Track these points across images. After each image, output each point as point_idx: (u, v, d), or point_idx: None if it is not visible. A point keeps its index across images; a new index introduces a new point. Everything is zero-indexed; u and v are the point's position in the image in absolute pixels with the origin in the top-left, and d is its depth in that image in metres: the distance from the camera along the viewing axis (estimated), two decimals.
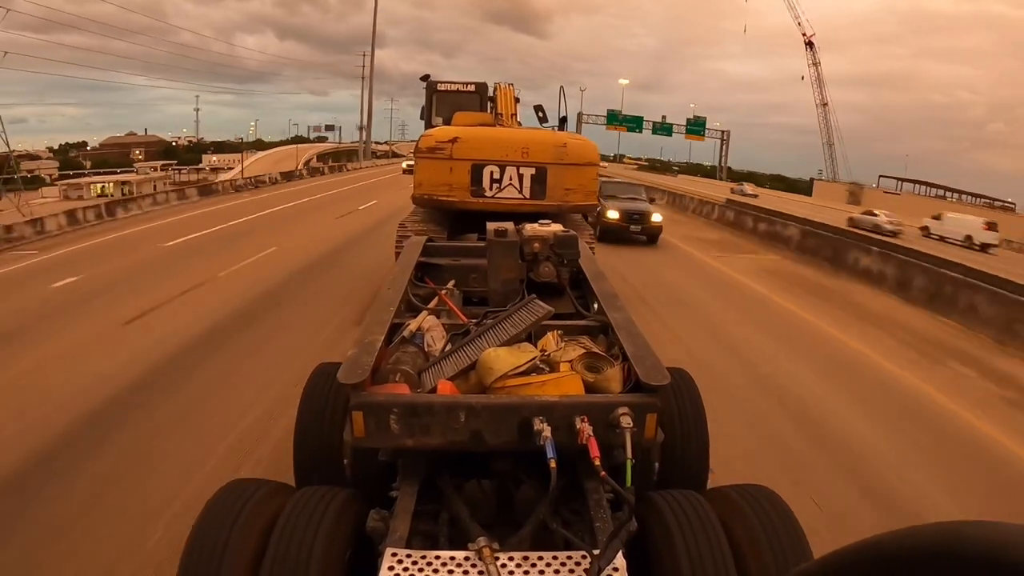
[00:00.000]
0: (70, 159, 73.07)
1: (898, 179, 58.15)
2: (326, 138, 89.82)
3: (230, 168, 63.38)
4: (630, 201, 16.31)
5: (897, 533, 0.65)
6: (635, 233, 15.66)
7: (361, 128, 60.28)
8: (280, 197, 25.48)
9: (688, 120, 57.59)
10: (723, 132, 60.40)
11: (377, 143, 66.30)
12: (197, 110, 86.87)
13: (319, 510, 2.16)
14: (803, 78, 66.06)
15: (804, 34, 64.24)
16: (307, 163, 57.22)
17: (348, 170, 48.02)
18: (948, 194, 54.29)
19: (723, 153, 61.89)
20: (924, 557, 0.61)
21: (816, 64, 62.82)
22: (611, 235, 15.10)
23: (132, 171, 64.35)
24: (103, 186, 48.52)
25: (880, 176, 61.12)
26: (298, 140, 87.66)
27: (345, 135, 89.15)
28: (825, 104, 63.08)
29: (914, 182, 56.89)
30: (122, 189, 45.68)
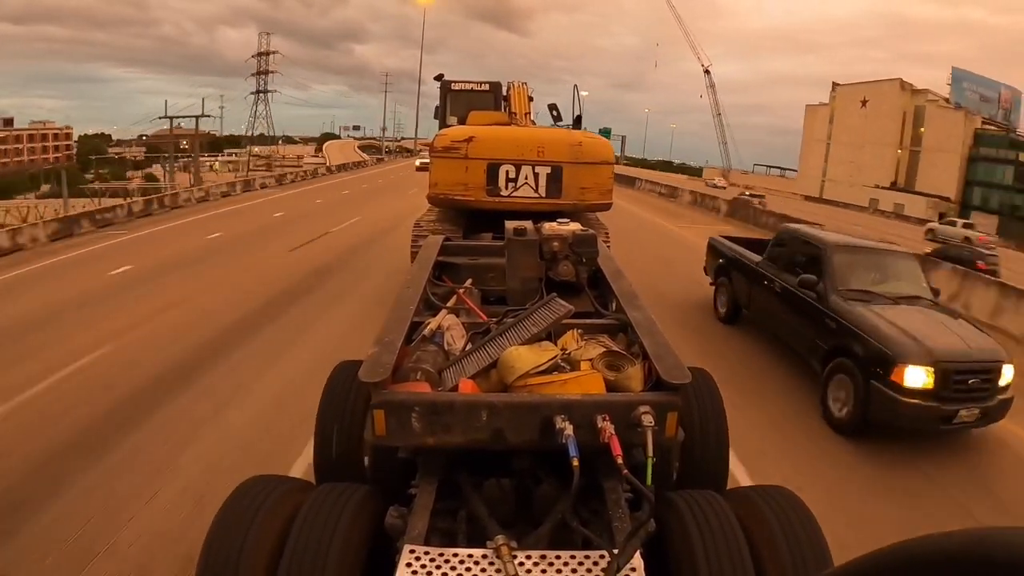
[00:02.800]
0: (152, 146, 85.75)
1: (767, 166, 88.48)
2: (335, 135, 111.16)
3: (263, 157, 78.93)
4: (926, 318, 5.85)
5: (924, 539, 0.65)
6: (966, 422, 5.19)
7: (383, 129, 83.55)
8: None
9: (600, 129, 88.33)
10: (623, 136, 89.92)
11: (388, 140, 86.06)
12: (222, 108, 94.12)
13: (338, 506, 2.17)
14: (701, 96, 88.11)
15: (703, 65, 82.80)
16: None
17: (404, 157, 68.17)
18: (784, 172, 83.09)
19: (622, 149, 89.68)
20: (952, 564, 0.60)
21: (712, 86, 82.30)
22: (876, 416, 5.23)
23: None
24: (211, 164, 63.97)
25: (754, 164, 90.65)
26: (328, 136, 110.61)
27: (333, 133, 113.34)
28: (719, 115, 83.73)
29: (781, 168, 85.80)
30: (228, 167, 60.44)
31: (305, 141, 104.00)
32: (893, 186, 56.03)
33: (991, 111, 56.67)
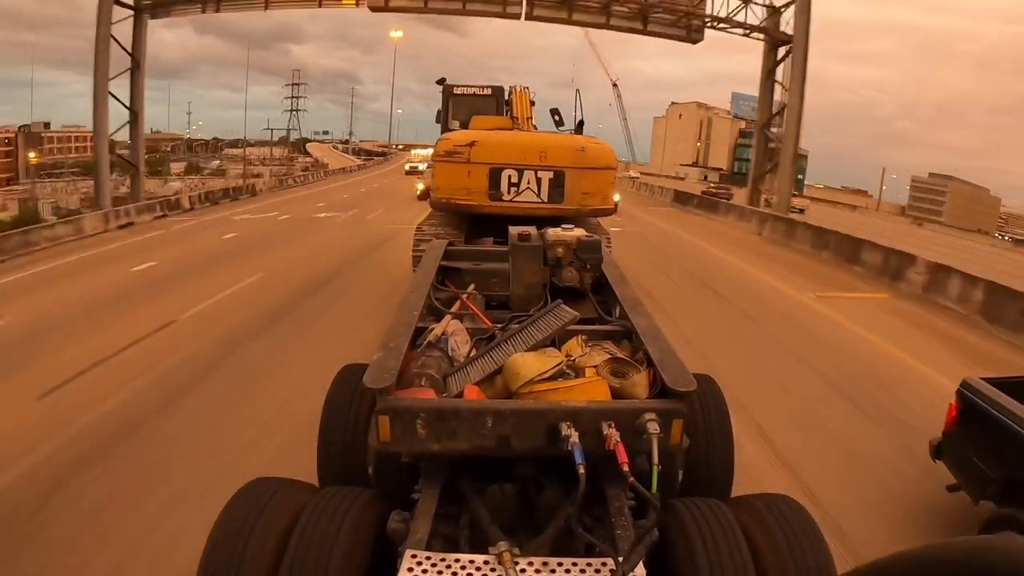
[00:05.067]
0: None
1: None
2: (309, 138, 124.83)
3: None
4: None
5: (927, 548, 0.65)
6: None
7: (350, 133, 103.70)
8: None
9: None
10: None
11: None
12: (189, 114, 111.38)
13: (341, 510, 2.17)
14: (611, 105, 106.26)
15: (612, 80, 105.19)
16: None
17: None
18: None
19: None
20: (955, 573, 0.60)
21: (619, 97, 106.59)
22: None
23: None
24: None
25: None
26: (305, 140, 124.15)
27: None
28: (625, 119, 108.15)
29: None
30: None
31: (267, 145, 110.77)
32: (694, 164, 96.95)
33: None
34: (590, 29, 25.09)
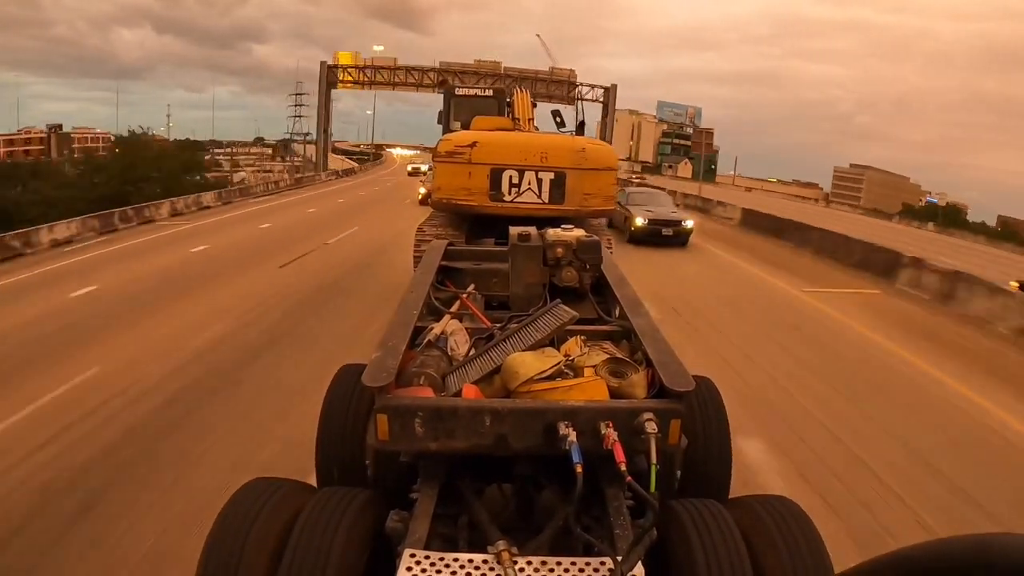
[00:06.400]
0: None
1: None
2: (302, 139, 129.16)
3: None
4: None
5: (926, 545, 0.65)
6: None
7: (327, 132, 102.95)
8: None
9: None
10: None
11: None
12: (168, 116, 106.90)
13: (339, 510, 2.17)
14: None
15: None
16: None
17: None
18: None
19: None
20: (954, 571, 0.60)
21: (579, 98, 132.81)
22: None
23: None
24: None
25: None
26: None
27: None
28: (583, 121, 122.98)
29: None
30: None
31: (240, 145, 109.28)
32: (627, 159, 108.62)
33: (682, 120, 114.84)
34: (542, 34, 44.77)
